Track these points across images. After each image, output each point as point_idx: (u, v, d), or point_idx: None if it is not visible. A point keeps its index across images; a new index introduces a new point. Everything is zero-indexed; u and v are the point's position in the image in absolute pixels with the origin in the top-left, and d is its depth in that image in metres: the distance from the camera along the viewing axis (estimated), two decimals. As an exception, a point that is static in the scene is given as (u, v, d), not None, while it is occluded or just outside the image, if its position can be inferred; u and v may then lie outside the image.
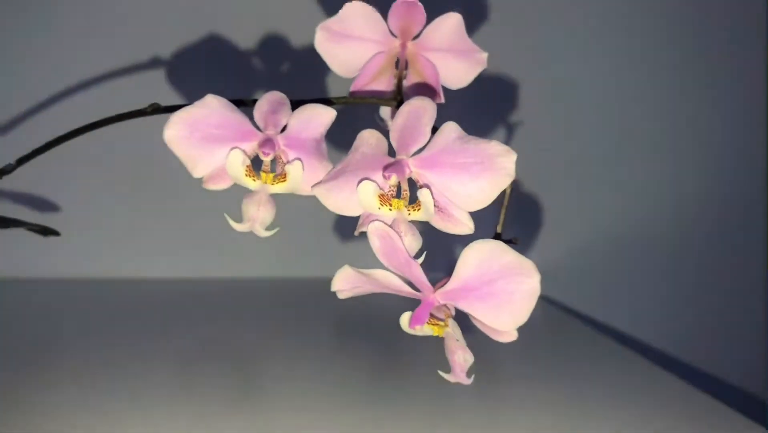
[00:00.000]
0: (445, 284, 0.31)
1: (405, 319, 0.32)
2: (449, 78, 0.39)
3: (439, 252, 0.44)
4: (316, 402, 0.46)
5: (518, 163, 0.30)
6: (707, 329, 0.86)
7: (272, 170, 0.34)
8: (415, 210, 0.32)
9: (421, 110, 0.31)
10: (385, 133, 0.32)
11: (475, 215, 0.33)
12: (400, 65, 0.38)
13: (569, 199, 0.82)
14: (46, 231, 0.51)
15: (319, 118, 0.33)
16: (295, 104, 0.33)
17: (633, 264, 0.84)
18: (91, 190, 0.73)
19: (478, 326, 0.32)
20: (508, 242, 0.31)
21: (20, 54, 0.70)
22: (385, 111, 0.41)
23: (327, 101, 0.35)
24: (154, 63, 0.71)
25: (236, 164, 0.33)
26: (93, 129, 0.36)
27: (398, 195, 0.32)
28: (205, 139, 0.33)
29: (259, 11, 0.73)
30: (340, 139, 0.38)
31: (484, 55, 0.38)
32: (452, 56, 0.38)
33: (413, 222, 0.33)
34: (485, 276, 0.30)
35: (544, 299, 0.76)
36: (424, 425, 0.44)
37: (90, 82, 0.70)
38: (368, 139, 0.32)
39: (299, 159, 0.34)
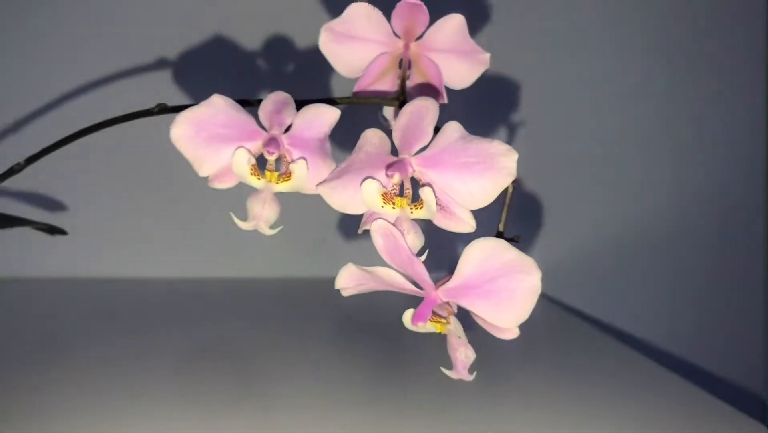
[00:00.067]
0: (447, 281, 0.32)
1: (408, 316, 0.32)
2: (452, 78, 0.39)
3: (442, 251, 0.44)
4: (319, 401, 0.47)
5: (519, 162, 0.31)
6: (707, 327, 0.86)
7: (277, 169, 0.34)
8: (417, 208, 0.32)
9: (423, 110, 0.32)
10: (389, 132, 0.33)
11: (477, 214, 0.33)
12: (404, 66, 0.39)
13: (570, 198, 0.82)
14: (53, 230, 0.52)
15: (323, 117, 0.33)
16: (300, 104, 0.34)
17: (633, 263, 0.84)
18: (98, 189, 0.73)
19: (480, 323, 0.32)
20: (510, 240, 0.31)
21: (29, 55, 0.70)
22: (388, 111, 0.41)
23: (331, 101, 0.35)
24: (160, 64, 0.71)
25: (242, 163, 0.34)
26: (100, 129, 0.36)
27: (401, 193, 0.33)
28: (211, 138, 0.34)
29: (264, 13, 0.73)
30: (343, 138, 0.38)
31: (487, 56, 0.39)
32: (455, 57, 0.39)
33: (416, 220, 0.33)
34: (487, 274, 0.30)
35: (544, 298, 0.77)
36: (426, 422, 0.44)
37: (98, 83, 0.71)
38: (371, 138, 0.32)
39: (303, 158, 0.34)
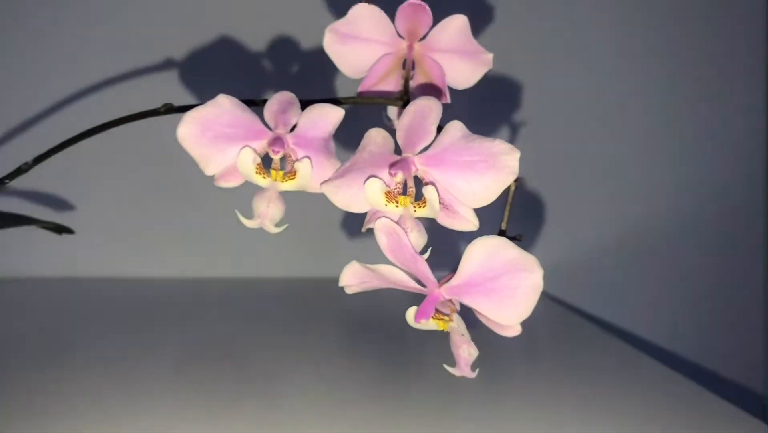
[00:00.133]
0: (450, 279, 0.32)
1: (411, 313, 0.33)
2: (455, 78, 0.40)
3: (445, 249, 0.45)
4: (323, 400, 0.47)
5: (522, 161, 0.31)
6: (708, 326, 0.86)
7: (282, 168, 0.35)
8: (420, 207, 0.33)
9: (427, 110, 0.32)
10: (392, 132, 0.33)
11: (479, 212, 0.33)
12: (407, 66, 0.39)
13: (572, 197, 0.83)
14: (60, 229, 0.52)
15: (328, 117, 0.33)
16: (305, 104, 0.34)
17: (635, 262, 0.84)
18: (105, 189, 0.74)
19: (483, 320, 0.32)
20: (512, 238, 0.32)
21: (36, 55, 0.71)
22: (392, 111, 0.41)
23: (335, 101, 0.35)
24: (167, 64, 0.72)
25: (247, 162, 0.34)
26: (107, 129, 0.37)
27: (404, 192, 0.33)
28: (217, 137, 0.34)
29: (270, 14, 0.73)
30: (348, 138, 0.38)
31: (490, 56, 0.39)
32: (458, 57, 0.39)
33: (419, 219, 0.33)
34: (489, 272, 0.31)
35: (546, 296, 0.77)
36: (429, 419, 0.44)
37: (104, 83, 0.71)
38: (375, 137, 0.32)
39: (308, 157, 0.34)
